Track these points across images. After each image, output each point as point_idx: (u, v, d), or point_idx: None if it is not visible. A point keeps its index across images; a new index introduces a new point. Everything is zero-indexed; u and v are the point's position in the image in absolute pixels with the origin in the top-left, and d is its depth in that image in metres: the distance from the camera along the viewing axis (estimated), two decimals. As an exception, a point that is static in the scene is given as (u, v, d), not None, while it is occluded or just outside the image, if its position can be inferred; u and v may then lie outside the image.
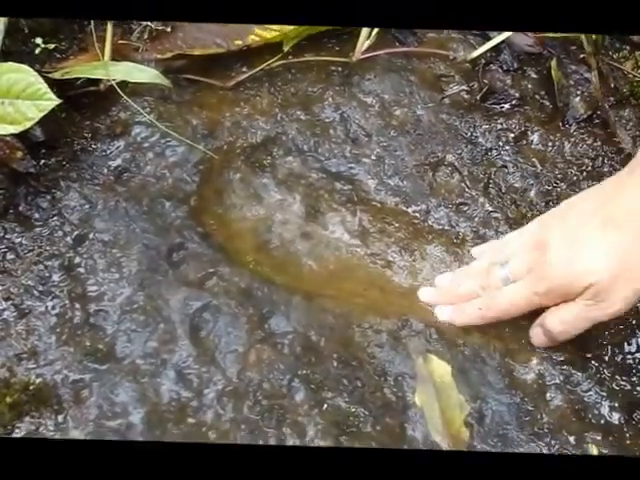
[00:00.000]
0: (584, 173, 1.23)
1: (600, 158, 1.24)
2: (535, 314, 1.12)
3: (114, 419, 1.05)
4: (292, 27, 1.28)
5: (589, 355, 1.10)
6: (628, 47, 1.35)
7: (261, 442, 1.04)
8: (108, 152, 1.23)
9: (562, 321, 1.07)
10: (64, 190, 1.19)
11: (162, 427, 1.05)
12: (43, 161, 1.21)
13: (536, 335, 1.11)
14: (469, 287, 1.16)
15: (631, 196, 1.03)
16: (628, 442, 1.05)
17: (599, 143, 1.25)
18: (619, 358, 1.10)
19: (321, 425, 1.05)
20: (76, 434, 1.04)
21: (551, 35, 1.33)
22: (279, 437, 1.04)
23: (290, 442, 1.04)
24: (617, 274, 1.02)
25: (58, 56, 1.29)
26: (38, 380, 1.08)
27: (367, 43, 1.29)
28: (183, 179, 1.22)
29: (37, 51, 1.26)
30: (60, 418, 1.06)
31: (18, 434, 1.05)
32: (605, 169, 1.23)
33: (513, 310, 1.11)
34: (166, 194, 1.21)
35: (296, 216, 1.23)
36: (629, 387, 1.08)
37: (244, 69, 1.31)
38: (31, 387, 1.08)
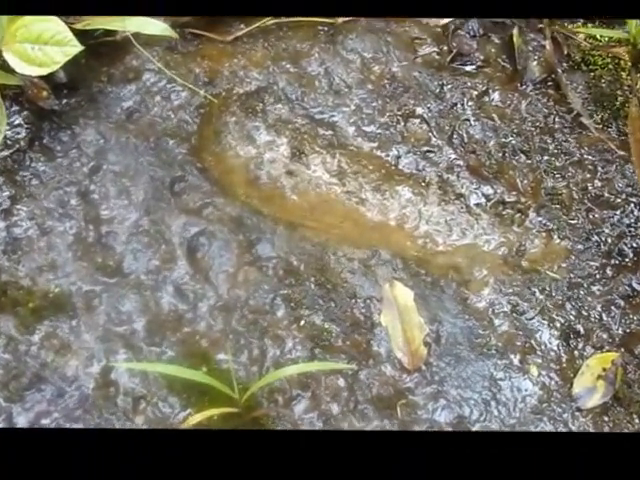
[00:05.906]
0: (537, 129, 1.27)
1: (552, 116, 1.28)
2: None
3: (120, 325, 1.13)
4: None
5: (535, 290, 1.16)
6: (581, 20, 1.36)
7: (246, 352, 1.11)
8: (121, 95, 1.29)
9: None
10: (82, 126, 1.26)
11: (161, 334, 1.13)
12: (65, 100, 1.27)
13: None
14: None
15: None
16: (564, 365, 1.12)
17: (552, 103, 1.29)
18: (560, 294, 1.16)
19: (298, 339, 1.13)
20: (87, 338, 1.11)
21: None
22: (262, 348, 1.12)
23: (271, 353, 1.11)
24: None
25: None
26: (56, 289, 1.16)
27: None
28: (185, 120, 1.28)
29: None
30: (74, 323, 1.13)
31: (39, 334, 1.12)
32: (556, 126, 1.27)
33: None
34: (170, 133, 1.27)
35: (282, 156, 1.27)
36: (567, 318, 1.15)
37: (242, 26, 1.35)
38: (50, 295, 1.15)
